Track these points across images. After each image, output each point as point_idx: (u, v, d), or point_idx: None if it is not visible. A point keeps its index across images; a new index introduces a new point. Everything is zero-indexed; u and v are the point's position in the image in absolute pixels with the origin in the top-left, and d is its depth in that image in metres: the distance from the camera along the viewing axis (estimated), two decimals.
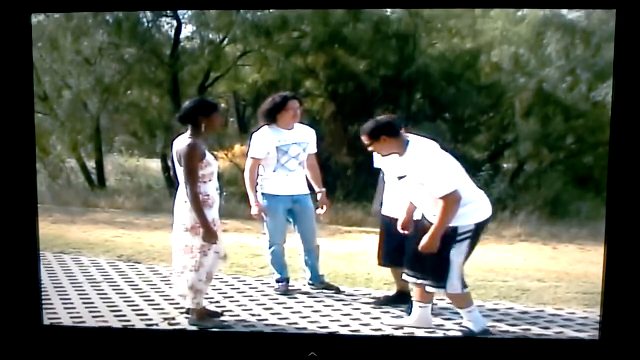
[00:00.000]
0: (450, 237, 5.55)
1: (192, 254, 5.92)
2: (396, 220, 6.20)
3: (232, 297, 6.87)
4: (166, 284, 7.27)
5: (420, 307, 5.93)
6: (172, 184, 14.09)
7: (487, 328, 5.80)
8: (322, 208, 7.06)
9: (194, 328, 5.99)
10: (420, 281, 5.81)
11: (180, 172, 5.88)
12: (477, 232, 5.65)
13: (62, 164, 14.49)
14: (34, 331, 5.09)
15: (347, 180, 13.60)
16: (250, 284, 7.30)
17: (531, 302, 6.86)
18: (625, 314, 4.70)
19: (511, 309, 6.62)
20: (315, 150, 7.09)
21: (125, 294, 6.96)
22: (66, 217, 11.43)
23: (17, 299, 5.07)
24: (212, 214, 5.89)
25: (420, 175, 5.54)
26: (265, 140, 6.82)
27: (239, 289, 7.14)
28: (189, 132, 5.84)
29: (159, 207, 12.66)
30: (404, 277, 5.98)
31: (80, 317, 6.22)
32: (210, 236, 5.83)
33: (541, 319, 6.33)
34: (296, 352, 4.86)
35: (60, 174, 14.44)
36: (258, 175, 6.91)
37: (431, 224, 5.58)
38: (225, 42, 14.30)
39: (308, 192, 7.01)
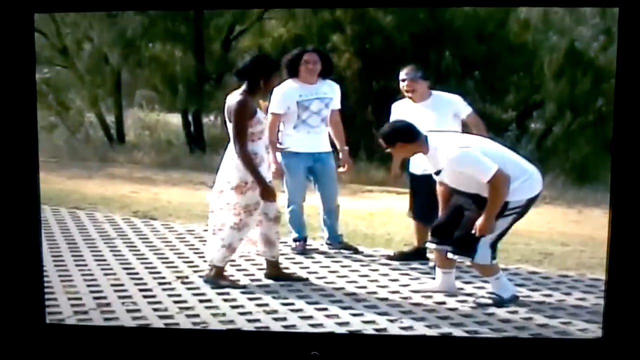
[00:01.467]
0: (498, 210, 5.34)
1: (234, 211, 5.77)
2: (422, 177, 6.11)
3: (248, 254, 6.67)
4: (181, 241, 7.11)
5: (443, 272, 5.75)
6: (191, 139, 13.97)
7: (515, 293, 5.62)
8: (344, 167, 6.83)
9: (207, 285, 5.87)
10: (444, 247, 5.59)
11: (230, 128, 5.69)
12: (527, 207, 5.44)
13: (81, 118, 14.32)
14: (36, 330, 5.00)
15: (371, 139, 13.39)
16: None
17: (554, 267, 6.63)
18: (628, 312, 4.56)
19: (534, 272, 6.41)
20: (338, 107, 6.84)
21: (138, 250, 6.80)
22: (83, 172, 11.30)
23: (19, 297, 4.97)
24: (262, 172, 5.70)
25: (457, 169, 5.36)
26: (285, 94, 6.57)
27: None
28: (242, 88, 5.68)
29: (177, 163, 12.53)
30: (427, 244, 5.80)
31: (92, 275, 6.08)
32: (268, 193, 5.69)
33: (563, 284, 6.11)
34: (298, 351, 4.74)
35: (80, 128, 14.28)
36: (279, 131, 6.67)
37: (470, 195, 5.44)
38: None
39: (330, 149, 6.77)
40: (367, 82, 13.93)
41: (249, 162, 5.59)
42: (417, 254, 6.58)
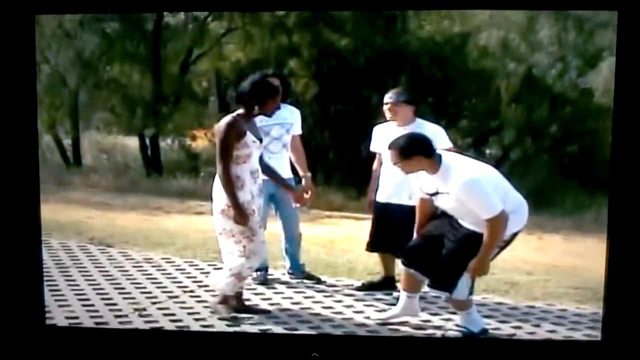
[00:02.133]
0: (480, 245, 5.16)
1: (234, 238, 5.64)
2: (392, 206, 6.11)
3: (207, 285, 6.55)
4: (138, 270, 6.96)
5: (408, 296, 5.61)
6: (148, 163, 13.85)
7: (485, 327, 5.51)
8: (307, 194, 6.60)
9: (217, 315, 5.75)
10: (420, 275, 5.49)
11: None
12: (511, 239, 5.32)
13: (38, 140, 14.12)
14: (36, 331, 4.97)
15: (329, 163, 13.35)
16: None
17: (521, 297, 6.60)
18: (627, 314, 4.56)
19: (500, 303, 6.35)
20: (299, 132, 6.72)
21: (94, 280, 6.64)
22: None
23: (18, 299, 4.96)
24: (243, 196, 5.56)
25: (461, 197, 5.08)
26: None
27: None
28: (237, 111, 5.62)
29: (134, 187, 12.39)
30: (401, 265, 5.64)
31: (47, 307, 5.88)
32: (240, 217, 5.51)
33: (532, 315, 6.06)
34: (298, 352, 4.72)
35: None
36: None
37: (458, 225, 5.30)
38: (209, 18, 13.96)
39: (291, 175, 6.65)
40: (324, 106, 13.92)
41: (228, 183, 5.48)
42: (385, 283, 6.51)
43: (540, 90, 13.30)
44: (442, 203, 5.29)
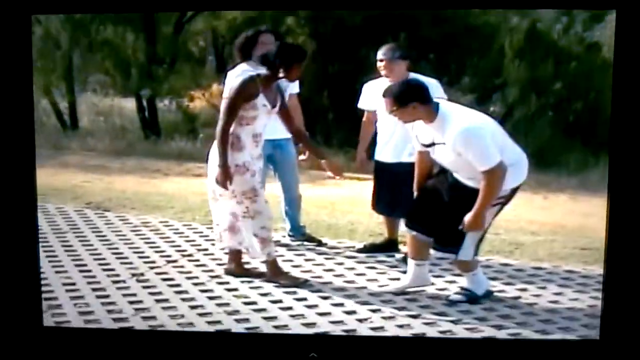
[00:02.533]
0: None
1: (235, 199, 5.51)
2: (392, 165, 5.99)
3: (207, 249, 6.42)
4: (136, 234, 6.81)
5: (416, 264, 5.42)
6: (146, 125, 13.66)
7: (490, 288, 5.39)
8: (304, 154, 6.44)
9: (272, 284, 5.61)
10: (424, 237, 5.30)
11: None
12: (511, 196, 5.12)
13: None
14: (34, 332, 4.80)
15: (328, 124, 13.16)
16: None
17: (526, 258, 6.45)
18: (626, 313, 4.43)
19: (506, 265, 6.22)
20: (297, 90, 6.56)
21: (92, 245, 6.50)
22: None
23: (16, 299, 4.79)
24: (242, 157, 5.44)
25: (458, 147, 4.85)
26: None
27: (214, 240, 6.65)
28: (260, 70, 5.46)
29: (132, 150, 12.19)
30: (404, 227, 5.49)
31: (43, 273, 5.69)
32: (222, 176, 5.37)
33: (537, 277, 5.93)
34: (296, 352, 4.55)
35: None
36: None
37: (455, 182, 5.11)
38: None
39: (289, 136, 6.35)
40: (321, 65, 13.69)
41: (223, 140, 5.33)
42: (388, 246, 6.38)
43: (545, 46, 13.09)
44: (438, 155, 5.08)
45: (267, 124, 5.60)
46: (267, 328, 4.90)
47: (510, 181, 4.96)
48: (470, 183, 5.01)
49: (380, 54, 6.06)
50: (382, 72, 6.08)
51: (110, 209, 7.76)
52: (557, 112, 13.43)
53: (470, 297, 5.28)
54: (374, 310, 5.18)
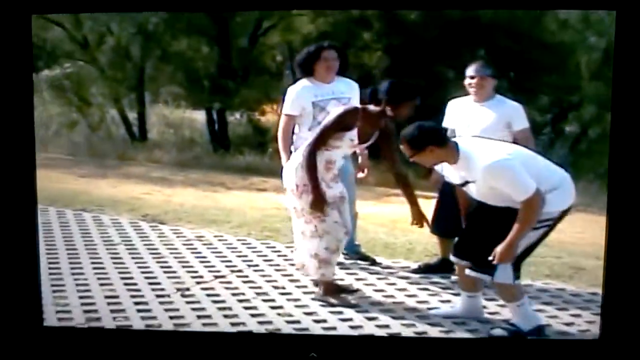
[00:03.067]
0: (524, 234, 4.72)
1: (304, 217, 5.36)
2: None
3: (257, 265, 6.25)
4: (188, 248, 6.67)
5: (468, 296, 5.20)
6: (215, 138, 13.60)
7: (540, 325, 4.95)
8: (363, 172, 6.36)
9: (317, 303, 5.45)
10: (464, 262, 5.07)
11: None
12: (558, 220, 4.84)
13: (103, 114, 13.99)
14: (34, 333, 4.81)
15: (397, 139, 12.95)
16: (279, 251, 6.65)
17: (584, 283, 6.14)
18: (625, 313, 4.40)
19: (562, 289, 5.94)
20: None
21: (141, 258, 6.39)
22: (98, 170, 10.90)
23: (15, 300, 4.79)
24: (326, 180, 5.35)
25: (490, 182, 4.68)
26: (300, 94, 6.09)
27: (266, 256, 6.51)
28: (370, 106, 5.31)
29: (198, 163, 12.14)
30: (451, 257, 5.24)
31: (87, 285, 5.69)
32: (316, 203, 5.24)
33: (594, 304, 5.58)
34: (296, 352, 4.47)
35: (101, 125, 13.94)
36: (293, 134, 6.19)
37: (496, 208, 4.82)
38: None
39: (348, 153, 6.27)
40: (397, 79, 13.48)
41: (310, 164, 5.21)
42: (442, 266, 6.12)
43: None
44: (473, 192, 4.87)
45: (346, 155, 5.49)
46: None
47: (556, 204, 4.74)
48: (514, 206, 4.72)
49: (471, 71, 5.87)
50: (471, 90, 5.88)
51: (166, 222, 7.64)
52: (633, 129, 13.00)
53: (514, 333, 4.91)
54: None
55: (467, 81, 5.89)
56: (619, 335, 4.36)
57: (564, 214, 4.83)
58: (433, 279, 6.04)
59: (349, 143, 5.31)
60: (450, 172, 4.96)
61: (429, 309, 5.45)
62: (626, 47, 4.23)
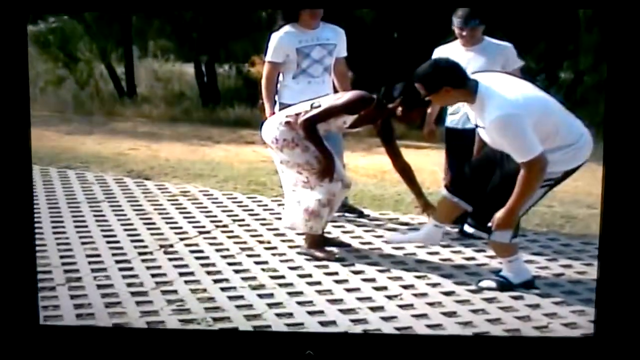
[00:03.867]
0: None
1: (295, 168, 5.23)
2: (465, 132, 5.53)
3: (243, 219, 6.15)
4: (172, 204, 6.57)
5: (435, 225, 5.07)
6: (204, 91, 13.45)
7: (530, 279, 4.83)
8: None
9: (302, 257, 5.33)
10: (465, 204, 4.91)
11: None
12: (563, 178, 4.62)
13: (90, 70, 13.83)
14: (30, 331, 4.62)
15: (390, 89, 12.81)
16: (265, 205, 6.55)
17: (576, 231, 6.05)
18: (620, 309, 4.16)
19: (553, 239, 5.81)
20: (344, 54, 6.13)
21: (125, 215, 6.28)
22: (85, 127, 10.77)
23: (12, 297, 4.58)
24: (290, 134, 5.19)
25: (494, 135, 4.42)
26: (283, 40, 5.87)
27: (252, 210, 6.41)
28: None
29: (188, 117, 12.03)
30: (444, 192, 5.07)
31: (69, 244, 5.57)
32: (326, 171, 5.14)
33: (585, 253, 5.51)
34: (292, 350, 4.32)
35: (88, 81, 13.78)
36: (277, 82, 6.01)
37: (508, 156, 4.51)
38: None
39: None
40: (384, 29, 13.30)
41: (313, 135, 5.07)
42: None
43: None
44: (486, 138, 4.60)
45: (330, 132, 5.34)
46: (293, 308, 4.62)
47: (564, 164, 4.50)
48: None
49: (458, 22, 5.66)
50: (462, 41, 5.72)
51: (151, 178, 7.54)
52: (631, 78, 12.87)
53: (503, 285, 4.80)
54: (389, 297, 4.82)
55: (456, 31, 5.73)
56: (614, 332, 4.19)
57: (569, 173, 4.60)
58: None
59: (340, 125, 5.19)
60: (468, 109, 4.73)
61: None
62: (623, 45, 4.00)
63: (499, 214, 4.49)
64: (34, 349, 4.50)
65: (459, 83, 4.45)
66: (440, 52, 5.77)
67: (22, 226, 4.46)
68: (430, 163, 7.52)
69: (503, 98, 4.35)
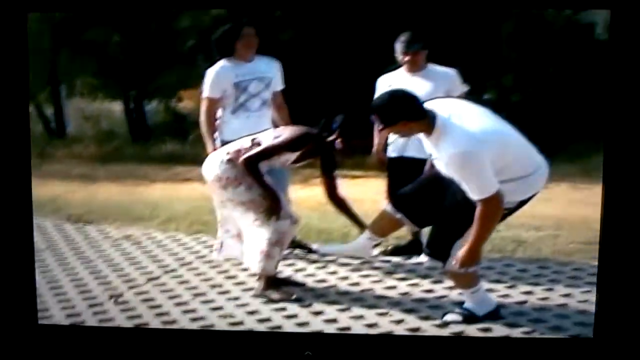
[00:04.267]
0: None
1: (241, 207, 5.16)
2: (405, 160, 5.64)
3: (191, 262, 6.07)
4: (117, 250, 6.46)
5: (368, 238, 5.09)
6: (134, 127, 13.34)
7: (495, 309, 4.77)
8: None
9: (258, 300, 5.24)
10: (403, 219, 4.92)
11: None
12: (516, 208, 4.57)
13: None
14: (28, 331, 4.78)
15: (318, 118, 12.83)
16: (211, 245, 6.36)
17: (529, 256, 6.12)
18: (619, 311, 4.35)
19: (509, 265, 5.85)
20: (280, 87, 6.10)
21: (68, 263, 6.16)
22: None
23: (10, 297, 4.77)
24: (233, 172, 5.14)
25: (451, 170, 4.31)
26: (220, 75, 5.82)
27: (198, 252, 6.34)
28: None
29: (119, 155, 11.89)
30: (387, 207, 5.03)
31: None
32: (272, 209, 5.09)
33: (543, 278, 5.57)
34: (291, 351, 4.44)
35: None
36: (216, 118, 5.93)
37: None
38: None
39: None
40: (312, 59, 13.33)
41: (258, 175, 5.04)
42: (413, 246, 5.97)
43: (539, 28, 12.79)
44: (442, 168, 4.49)
45: (275, 167, 5.29)
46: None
47: (520, 194, 4.47)
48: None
49: (402, 46, 5.76)
50: (406, 66, 5.80)
51: (92, 222, 7.41)
52: (552, 96, 13.11)
53: (469, 318, 4.74)
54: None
55: (399, 57, 5.79)
56: (613, 334, 4.33)
57: (524, 201, 4.57)
58: (375, 264, 5.91)
59: (283, 161, 5.16)
60: (424, 140, 4.55)
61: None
62: (621, 45, 4.20)
63: (461, 255, 4.43)
64: (33, 347, 4.63)
65: (416, 116, 4.33)
66: (385, 81, 5.82)
67: (19, 226, 4.70)
68: (369, 192, 7.49)
69: (461, 133, 4.23)
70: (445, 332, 4.56)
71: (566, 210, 7.71)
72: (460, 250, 4.44)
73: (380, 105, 4.41)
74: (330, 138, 5.00)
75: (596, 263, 5.55)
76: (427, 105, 4.39)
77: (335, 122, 4.99)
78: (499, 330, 4.65)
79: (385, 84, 5.85)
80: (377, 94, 5.71)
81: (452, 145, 4.22)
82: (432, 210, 4.76)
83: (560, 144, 11.36)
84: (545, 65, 12.89)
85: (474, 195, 4.24)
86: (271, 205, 5.06)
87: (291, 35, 12.76)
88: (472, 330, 4.58)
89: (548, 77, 13.04)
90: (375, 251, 5.99)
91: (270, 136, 5.17)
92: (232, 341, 4.68)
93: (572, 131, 11.97)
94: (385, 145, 5.98)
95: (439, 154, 4.36)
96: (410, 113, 4.32)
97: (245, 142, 5.16)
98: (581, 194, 8.71)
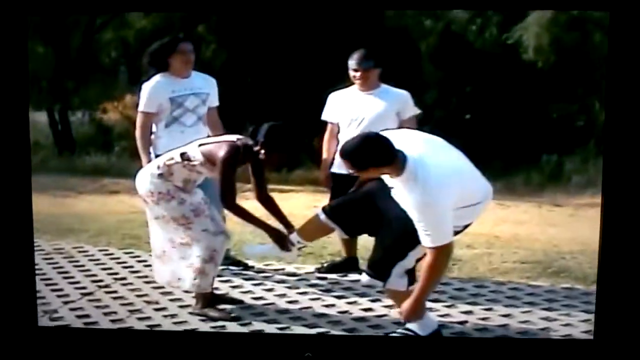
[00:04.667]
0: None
1: (171, 224, 5.11)
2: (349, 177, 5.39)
3: (125, 277, 6.01)
4: (49, 263, 6.37)
5: (297, 240, 5.05)
6: (59, 139, 13.19)
7: (437, 329, 4.75)
8: None
9: (196, 318, 5.19)
10: (339, 230, 4.91)
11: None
12: (461, 231, 4.56)
13: None
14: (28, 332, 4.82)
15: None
16: (145, 260, 6.38)
17: (465, 275, 6.20)
18: (619, 313, 4.41)
19: (446, 284, 5.87)
20: (216, 103, 6.10)
21: None
22: None
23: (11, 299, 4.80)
24: (166, 186, 5.10)
25: (411, 213, 4.23)
26: (155, 90, 5.79)
27: (132, 267, 6.28)
28: (247, 141, 4.99)
29: (45, 166, 11.71)
30: (320, 214, 4.93)
31: None
32: (277, 238, 5.12)
33: (481, 297, 5.65)
34: (291, 352, 4.48)
35: None
36: (151, 132, 5.91)
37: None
38: None
39: None
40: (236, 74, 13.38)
41: (244, 212, 5.11)
42: (349, 263, 6.08)
43: (461, 47, 13.00)
44: (396, 198, 4.46)
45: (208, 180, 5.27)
46: None
47: (468, 219, 4.49)
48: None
49: (354, 64, 5.80)
50: (357, 83, 5.84)
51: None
52: (476, 114, 13.33)
53: (411, 339, 4.74)
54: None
55: (351, 73, 5.85)
56: (613, 336, 4.39)
57: (467, 226, 4.59)
58: (311, 281, 5.95)
59: (212, 173, 5.12)
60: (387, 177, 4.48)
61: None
62: (620, 47, 4.27)
63: (406, 306, 4.43)
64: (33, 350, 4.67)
65: (387, 162, 4.24)
66: (336, 97, 5.90)
67: (19, 229, 4.86)
68: (299, 207, 7.52)
69: (430, 181, 4.18)
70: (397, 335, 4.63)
71: (495, 227, 7.83)
72: (405, 303, 4.45)
73: (351, 150, 4.28)
74: (256, 148, 4.95)
75: (533, 283, 5.75)
76: (396, 144, 4.29)
77: (259, 132, 4.92)
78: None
79: (337, 100, 5.94)
80: (326, 109, 5.80)
81: (420, 194, 4.18)
82: (364, 220, 4.79)
83: (483, 161, 11.52)
84: (464, 83, 13.12)
85: (426, 242, 4.24)
86: (277, 238, 5.09)
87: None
88: (471, 331, 4.72)
89: (468, 95, 13.26)
90: (312, 267, 6.07)
91: (195, 146, 5.10)
92: (229, 341, 4.82)
93: (495, 148, 12.17)
94: (332, 162, 6.01)
95: (404, 195, 4.31)
96: (381, 160, 4.24)
97: (175, 154, 5.11)
98: (507, 211, 8.86)
